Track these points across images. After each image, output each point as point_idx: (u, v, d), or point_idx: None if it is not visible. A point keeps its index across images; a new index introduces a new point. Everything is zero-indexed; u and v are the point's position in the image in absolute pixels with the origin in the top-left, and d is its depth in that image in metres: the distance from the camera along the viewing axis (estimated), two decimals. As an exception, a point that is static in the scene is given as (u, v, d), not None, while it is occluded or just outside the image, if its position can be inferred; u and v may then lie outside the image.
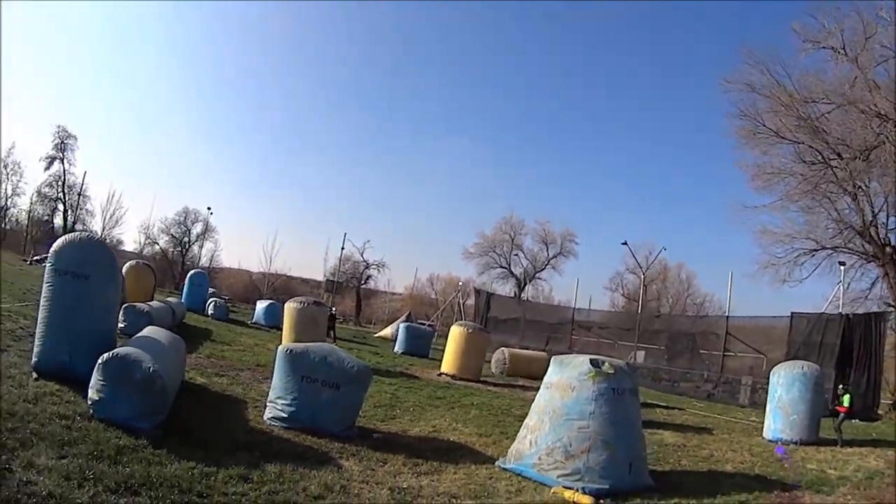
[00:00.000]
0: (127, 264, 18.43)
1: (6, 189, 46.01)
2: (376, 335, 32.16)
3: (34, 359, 6.97)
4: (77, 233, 8.26)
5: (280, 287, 48.72)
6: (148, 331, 8.67)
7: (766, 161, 21.42)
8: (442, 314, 40.68)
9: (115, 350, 6.19)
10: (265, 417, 7.49)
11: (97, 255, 7.35)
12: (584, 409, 6.64)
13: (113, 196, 47.94)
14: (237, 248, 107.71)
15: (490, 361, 20.02)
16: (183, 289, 25.52)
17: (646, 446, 7.47)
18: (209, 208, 51.26)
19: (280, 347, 7.89)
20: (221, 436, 6.48)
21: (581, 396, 6.70)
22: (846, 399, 11.03)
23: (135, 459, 4.96)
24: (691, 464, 8.65)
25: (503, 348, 20.81)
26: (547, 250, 50.60)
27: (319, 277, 54.79)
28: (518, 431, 7.42)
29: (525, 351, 22.33)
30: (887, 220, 19.32)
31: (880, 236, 19.20)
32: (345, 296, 53.43)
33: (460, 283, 45.56)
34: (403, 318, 33.80)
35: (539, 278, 51.29)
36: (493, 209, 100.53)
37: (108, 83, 73.00)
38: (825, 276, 21.31)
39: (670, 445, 9.69)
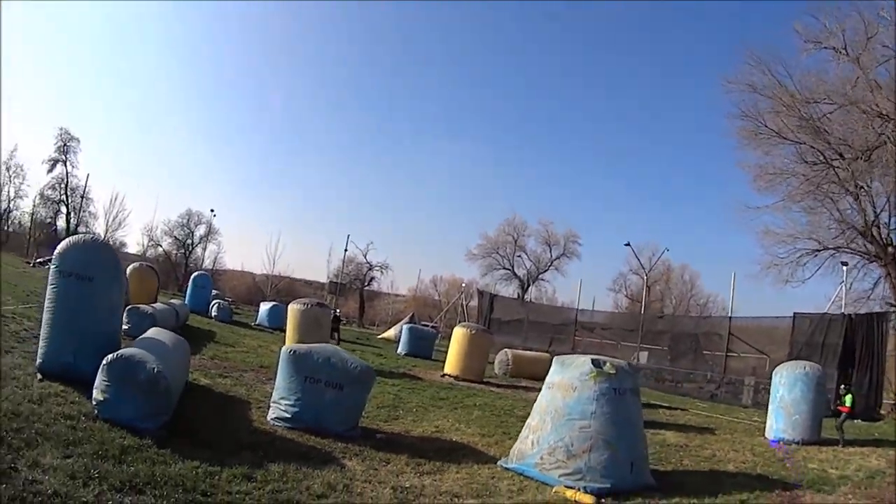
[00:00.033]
0: (130, 266, 18.56)
1: (9, 191, 46.45)
2: (379, 337, 32.19)
3: (39, 360, 7.02)
4: (81, 235, 8.32)
5: (283, 289, 48.80)
6: (152, 332, 8.73)
7: (767, 161, 21.44)
8: (445, 315, 40.72)
9: (120, 351, 6.25)
10: (269, 418, 7.54)
11: (101, 257, 7.41)
12: (585, 408, 6.67)
13: (116, 198, 48.33)
14: (238, 248, 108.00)
15: (493, 363, 20.04)
16: (186, 291, 25.56)
17: (647, 446, 7.50)
18: (212, 210, 51.61)
19: (283, 348, 7.95)
20: (225, 436, 6.52)
21: (583, 396, 6.74)
22: (848, 399, 11.05)
23: (139, 459, 5.00)
24: (693, 464, 8.67)
25: (506, 349, 20.84)
26: (550, 251, 50.65)
27: (323, 279, 54.97)
28: (520, 432, 7.45)
29: (528, 352, 22.32)
30: (889, 220, 19.30)
31: (882, 236, 19.15)
32: (348, 297, 53.50)
33: (464, 285, 45.60)
34: (407, 319, 33.78)
35: (542, 279, 51.35)
36: (494, 209, 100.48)
37: (108, 83, 73.55)
38: (828, 277, 21.28)
39: (672, 446, 9.70)
